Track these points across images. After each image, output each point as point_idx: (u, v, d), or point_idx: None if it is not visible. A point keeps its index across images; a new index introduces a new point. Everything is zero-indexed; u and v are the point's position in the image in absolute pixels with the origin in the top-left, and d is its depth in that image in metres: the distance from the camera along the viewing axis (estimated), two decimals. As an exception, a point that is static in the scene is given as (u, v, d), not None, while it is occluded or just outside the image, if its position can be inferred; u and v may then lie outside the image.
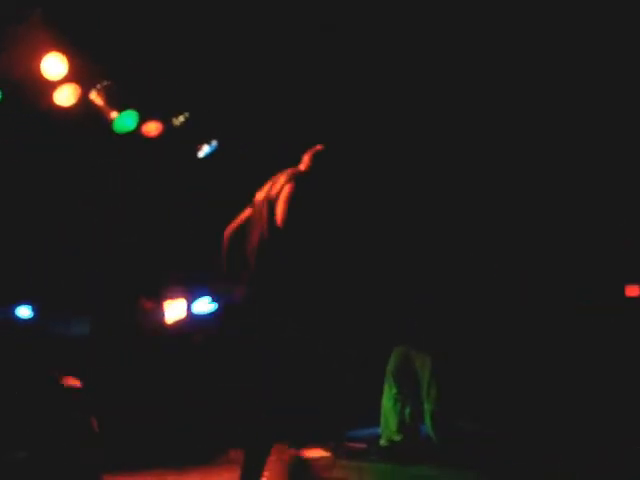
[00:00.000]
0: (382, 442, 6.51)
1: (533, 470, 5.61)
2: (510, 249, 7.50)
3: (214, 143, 6.65)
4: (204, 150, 6.65)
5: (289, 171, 4.53)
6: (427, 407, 6.34)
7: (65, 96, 5.98)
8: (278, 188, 4.43)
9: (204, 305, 7.57)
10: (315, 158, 4.58)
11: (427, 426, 6.40)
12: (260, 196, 4.66)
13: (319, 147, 4.64)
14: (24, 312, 7.03)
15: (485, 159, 7.36)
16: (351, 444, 6.79)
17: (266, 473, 5.82)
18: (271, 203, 4.43)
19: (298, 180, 4.39)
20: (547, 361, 7.30)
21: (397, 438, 6.40)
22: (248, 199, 7.15)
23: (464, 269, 7.18)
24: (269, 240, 4.40)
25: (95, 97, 6.14)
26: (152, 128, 6.35)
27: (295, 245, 4.33)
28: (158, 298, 7.32)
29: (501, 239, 7.49)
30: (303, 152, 4.65)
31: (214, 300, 7.56)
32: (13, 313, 6.98)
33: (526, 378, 7.22)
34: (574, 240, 7.33)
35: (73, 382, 5.65)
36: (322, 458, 6.40)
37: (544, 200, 7.37)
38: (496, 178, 7.46)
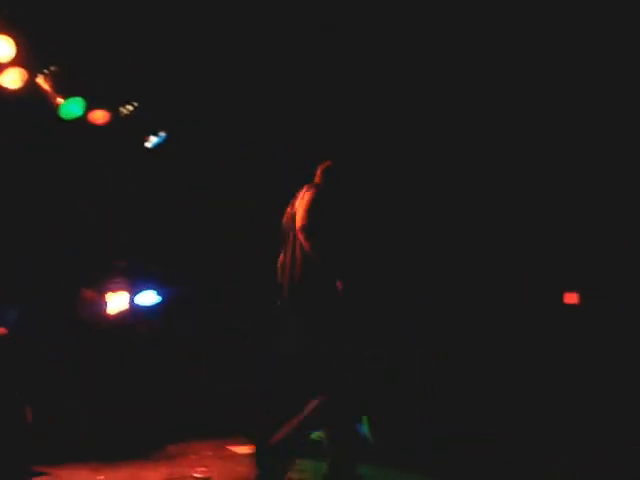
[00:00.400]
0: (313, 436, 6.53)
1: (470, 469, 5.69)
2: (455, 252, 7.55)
3: (163, 134, 6.59)
4: (152, 140, 6.59)
5: (308, 185, 5.18)
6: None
7: (11, 79, 5.88)
8: (299, 201, 5.08)
9: (149, 297, 7.51)
10: (325, 173, 5.28)
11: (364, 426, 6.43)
12: (288, 213, 5.26)
13: (328, 163, 5.30)
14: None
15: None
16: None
17: (203, 469, 5.85)
18: (294, 215, 5.08)
19: (316, 189, 5.07)
20: (492, 363, 7.37)
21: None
22: (196, 189, 7.19)
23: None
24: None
25: (42, 82, 6.04)
26: (99, 116, 6.27)
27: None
28: (100, 289, 7.23)
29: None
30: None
31: (159, 293, 7.51)
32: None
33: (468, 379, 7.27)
34: (514, 246, 7.41)
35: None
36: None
37: (484, 204, 7.43)
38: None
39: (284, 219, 5.27)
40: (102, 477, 5.50)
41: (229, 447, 6.63)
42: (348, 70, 7.00)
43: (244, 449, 6.55)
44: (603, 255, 6.95)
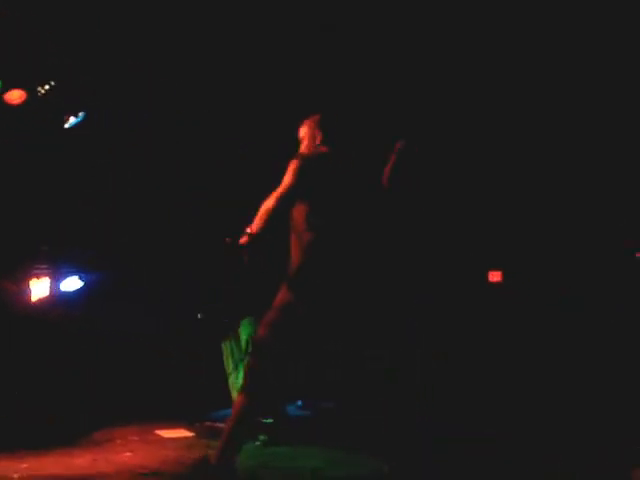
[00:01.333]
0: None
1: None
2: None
3: (81, 114, 6.46)
4: (71, 121, 6.46)
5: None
6: None
7: None
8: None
9: (72, 283, 7.39)
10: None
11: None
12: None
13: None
14: None
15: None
16: (214, 423, 6.77)
17: (129, 454, 5.80)
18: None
19: None
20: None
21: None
22: (116, 171, 7.07)
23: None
24: None
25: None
26: (15, 96, 6.11)
27: None
28: (21, 277, 7.09)
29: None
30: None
31: (82, 278, 7.39)
32: None
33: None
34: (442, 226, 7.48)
35: None
36: (184, 438, 6.39)
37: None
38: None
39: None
40: (25, 465, 5.40)
41: (155, 431, 6.58)
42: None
43: (170, 433, 6.53)
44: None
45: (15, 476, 5.10)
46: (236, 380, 6.38)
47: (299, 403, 7.07)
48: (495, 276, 7.48)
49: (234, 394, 6.44)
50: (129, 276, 7.57)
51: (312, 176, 4.65)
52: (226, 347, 6.60)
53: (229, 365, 6.56)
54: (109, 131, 6.78)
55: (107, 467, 5.43)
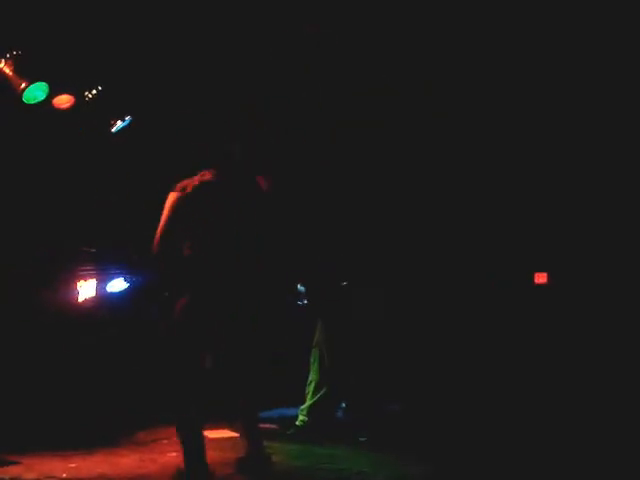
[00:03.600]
0: (297, 422, 6.58)
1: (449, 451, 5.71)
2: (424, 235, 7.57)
3: (128, 118, 6.53)
4: (117, 125, 6.53)
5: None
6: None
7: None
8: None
9: (117, 284, 7.48)
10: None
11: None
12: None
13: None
14: None
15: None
16: (261, 424, 6.78)
17: (174, 454, 5.84)
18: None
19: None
20: (461, 345, 7.40)
21: (304, 419, 6.46)
22: (161, 176, 7.11)
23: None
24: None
25: (4, 66, 5.95)
26: (63, 100, 6.19)
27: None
28: (68, 278, 7.18)
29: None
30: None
31: (127, 280, 7.47)
32: None
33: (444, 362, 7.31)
34: (485, 228, 7.44)
35: None
36: (229, 438, 6.41)
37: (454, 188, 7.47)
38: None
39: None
40: (74, 465, 5.48)
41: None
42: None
43: (215, 433, 6.55)
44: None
45: (64, 475, 5.18)
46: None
47: (343, 405, 7.05)
48: (541, 277, 7.43)
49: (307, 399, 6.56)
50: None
51: (185, 208, 4.83)
52: (314, 354, 6.63)
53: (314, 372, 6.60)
54: (156, 134, 6.83)
55: (153, 467, 5.52)
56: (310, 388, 6.60)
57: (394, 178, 7.62)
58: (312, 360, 6.64)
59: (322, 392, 6.50)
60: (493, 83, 7.05)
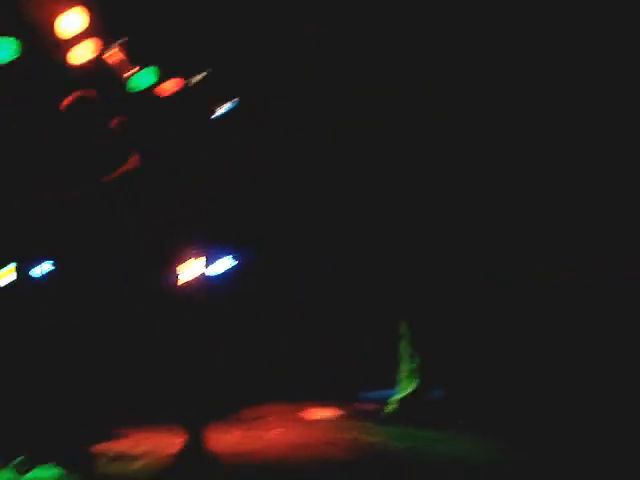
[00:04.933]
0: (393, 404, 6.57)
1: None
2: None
3: (233, 102, 6.62)
4: (222, 109, 6.63)
5: None
6: None
7: (83, 52, 5.96)
8: None
9: (222, 264, 7.61)
10: None
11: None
12: None
13: None
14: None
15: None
16: (362, 404, 6.84)
17: (279, 431, 5.95)
18: None
19: None
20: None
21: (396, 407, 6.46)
22: (269, 157, 7.22)
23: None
24: None
25: (113, 54, 6.11)
26: (169, 86, 6.33)
27: None
28: (174, 258, 7.35)
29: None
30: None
31: (233, 259, 7.60)
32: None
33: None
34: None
35: None
36: (334, 418, 6.48)
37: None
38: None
39: None
40: (179, 440, 5.60)
41: (305, 411, 6.70)
42: None
43: (320, 413, 6.63)
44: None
45: (171, 451, 5.32)
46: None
47: (439, 390, 7.01)
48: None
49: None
50: (279, 257, 7.70)
51: None
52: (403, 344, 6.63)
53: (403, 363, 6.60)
54: (262, 119, 6.91)
55: (258, 444, 5.60)
56: (402, 379, 6.54)
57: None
58: (401, 352, 6.58)
59: (413, 385, 6.43)
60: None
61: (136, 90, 6.16)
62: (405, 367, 6.48)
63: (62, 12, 5.77)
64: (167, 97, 6.39)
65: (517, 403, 6.48)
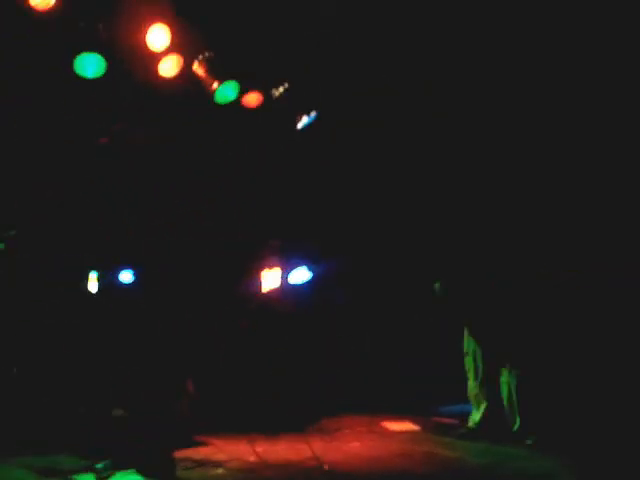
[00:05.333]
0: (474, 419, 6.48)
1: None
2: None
3: (313, 114, 6.66)
4: (303, 121, 6.67)
5: None
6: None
7: (168, 67, 6.07)
8: None
9: (301, 275, 7.66)
10: None
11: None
12: None
13: None
14: (126, 277, 7.26)
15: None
16: (439, 419, 6.80)
17: (357, 444, 5.96)
18: None
19: None
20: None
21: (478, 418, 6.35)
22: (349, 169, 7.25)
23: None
24: None
25: (197, 68, 6.21)
26: (252, 99, 6.40)
27: None
28: (255, 266, 7.45)
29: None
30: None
31: (310, 270, 7.64)
32: (116, 278, 7.21)
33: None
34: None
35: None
36: (411, 431, 6.45)
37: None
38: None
39: None
40: (260, 449, 5.67)
41: (382, 423, 6.69)
42: None
43: (397, 426, 6.62)
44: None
45: (251, 459, 5.39)
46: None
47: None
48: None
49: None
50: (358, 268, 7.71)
51: None
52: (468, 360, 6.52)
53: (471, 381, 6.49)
54: (341, 130, 6.93)
55: (336, 455, 5.62)
56: (471, 397, 6.44)
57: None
58: (467, 368, 6.44)
59: (485, 406, 6.30)
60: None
61: (223, 103, 6.24)
62: (472, 384, 6.38)
63: (147, 29, 5.89)
64: (252, 109, 6.46)
65: (587, 420, 6.35)
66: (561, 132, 6.82)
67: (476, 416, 6.28)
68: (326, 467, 5.18)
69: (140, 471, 4.83)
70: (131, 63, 5.97)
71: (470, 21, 6.45)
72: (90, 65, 5.80)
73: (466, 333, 6.41)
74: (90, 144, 6.05)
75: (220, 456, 5.47)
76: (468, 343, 6.40)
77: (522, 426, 6.07)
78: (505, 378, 6.09)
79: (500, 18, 6.39)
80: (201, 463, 5.25)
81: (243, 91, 6.30)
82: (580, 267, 6.72)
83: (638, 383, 6.44)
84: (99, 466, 4.96)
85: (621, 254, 6.75)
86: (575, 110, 6.69)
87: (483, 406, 6.23)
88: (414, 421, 6.72)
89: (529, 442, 5.85)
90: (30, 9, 5.32)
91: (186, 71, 6.22)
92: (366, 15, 6.41)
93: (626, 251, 6.76)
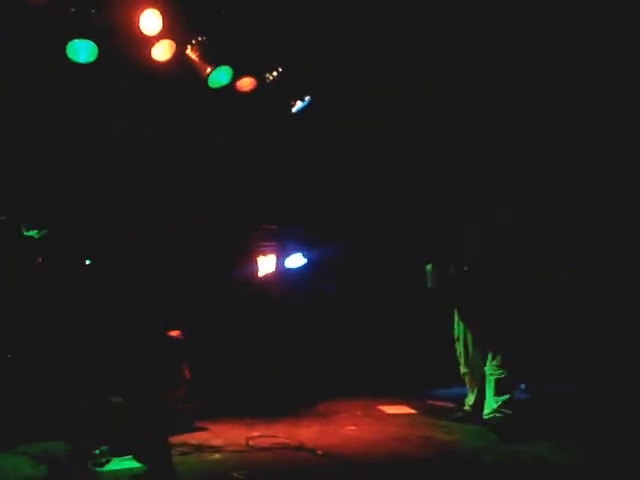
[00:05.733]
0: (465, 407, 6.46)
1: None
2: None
3: (307, 98, 6.64)
4: (297, 105, 6.65)
5: None
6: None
7: (161, 52, 6.05)
8: None
9: (296, 260, 7.67)
10: None
11: None
12: None
13: None
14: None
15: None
16: (434, 402, 6.82)
17: (353, 427, 5.97)
18: None
19: None
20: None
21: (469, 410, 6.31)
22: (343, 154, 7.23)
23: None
24: None
25: (190, 53, 6.19)
26: (246, 83, 6.38)
27: None
28: (249, 253, 7.45)
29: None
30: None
31: (305, 255, 7.64)
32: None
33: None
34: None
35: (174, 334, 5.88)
36: (407, 415, 6.47)
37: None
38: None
39: None
40: (257, 433, 5.68)
41: (378, 407, 6.71)
42: None
43: (393, 409, 6.63)
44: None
45: (249, 443, 5.40)
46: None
47: (522, 387, 6.90)
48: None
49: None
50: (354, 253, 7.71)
51: None
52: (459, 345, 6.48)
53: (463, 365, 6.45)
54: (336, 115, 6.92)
55: (333, 439, 5.63)
56: (466, 380, 6.41)
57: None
58: (458, 353, 6.37)
59: (477, 390, 6.27)
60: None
61: (217, 87, 6.22)
62: (464, 369, 6.36)
63: (140, 13, 5.86)
64: (246, 93, 6.43)
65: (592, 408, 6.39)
66: (561, 132, 6.83)
67: (471, 399, 6.28)
68: (319, 452, 5.19)
69: (136, 457, 4.85)
70: (124, 48, 5.93)
71: (471, 21, 6.44)
72: (82, 50, 5.77)
73: (456, 318, 6.39)
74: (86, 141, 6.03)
75: (217, 441, 5.47)
76: (458, 328, 6.38)
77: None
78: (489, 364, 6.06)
79: (501, 18, 6.38)
80: (198, 448, 5.24)
81: (237, 76, 6.28)
82: (580, 267, 6.76)
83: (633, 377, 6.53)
84: (96, 452, 4.98)
85: (621, 254, 6.80)
86: (575, 110, 6.70)
87: (476, 390, 6.23)
88: (410, 404, 6.74)
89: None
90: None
91: (179, 56, 6.19)
92: (366, 12, 6.40)
93: (626, 251, 6.80)
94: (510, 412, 5.84)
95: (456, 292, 6.26)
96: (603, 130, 6.82)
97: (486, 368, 5.99)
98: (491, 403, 5.90)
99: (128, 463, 4.83)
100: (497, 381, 5.90)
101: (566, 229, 6.97)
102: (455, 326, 6.38)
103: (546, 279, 6.72)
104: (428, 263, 6.39)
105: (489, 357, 5.98)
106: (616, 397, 6.54)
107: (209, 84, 6.24)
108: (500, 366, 5.92)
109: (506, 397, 5.88)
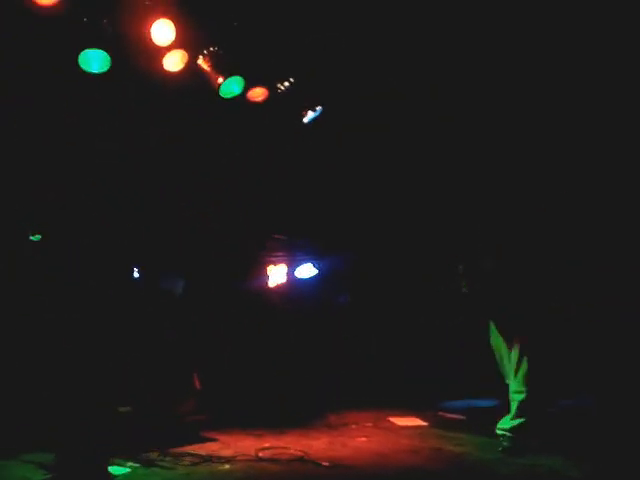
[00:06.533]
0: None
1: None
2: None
3: (319, 109, 6.64)
4: (309, 116, 6.65)
5: None
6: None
7: (173, 62, 6.06)
8: None
9: (306, 270, 7.67)
10: None
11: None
12: None
13: None
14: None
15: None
16: (445, 414, 6.79)
17: (363, 439, 5.95)
18: None
19: None
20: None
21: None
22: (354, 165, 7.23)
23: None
24: None
25: (202, 63, 6.20)
26: (258, 93, 6.38)
27: None
28: (259, 263, 7.46)
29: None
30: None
31: (315, 266, 7.65)
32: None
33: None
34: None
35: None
36: (417, 426, 6.45)
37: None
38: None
39: None
40: (267, 444, 5.67)
41: (389, 419, 6.69)
42: None
43: (403, 421, 6.61)
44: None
45: (258, 455, 5.38)
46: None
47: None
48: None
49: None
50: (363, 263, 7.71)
51: None
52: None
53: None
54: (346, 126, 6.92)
55: (343, 450, 5.62)
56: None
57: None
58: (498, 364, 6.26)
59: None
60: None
61: (228, 97, 6.23)
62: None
63: (152, 23, 5.88)
64: (258, 103, 6.44)
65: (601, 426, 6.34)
66: (572, 147, 6.79)
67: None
68: (325, 464, 5.16)
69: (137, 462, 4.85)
70: (136, 58, 5.95)
71: (477, 25, 6.43)
72: (95, 60, 5.78)
73: (493, 330, 6.17)
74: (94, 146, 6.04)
75: (227, 452, 5.46)
76: (494, 338, 6.17)
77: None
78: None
79: (508, 23, 6.37)
80: (208, 459, 5.23)
81: (248, 86, 6.29)
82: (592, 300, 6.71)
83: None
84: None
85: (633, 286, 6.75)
86: (586, 123, 6.66)
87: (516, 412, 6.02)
88: (421, 416, 6.72)
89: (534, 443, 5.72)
90: (33, 4, 5.30)
91: (191, 66, 6.20)
92: (373, 16, 6.39)
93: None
94: (517, 435, 5.68)
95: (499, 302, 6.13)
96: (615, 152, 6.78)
97: (511, 383, 5.75)
98: (506, 422, 5.77)
99: (127, 467, 4.85)
100: (519, 402, 5.68)
101: (577, 260, 6.92)
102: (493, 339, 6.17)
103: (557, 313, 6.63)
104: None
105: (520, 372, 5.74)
106: (633, 412, 6.47)
107: (221, 94, 6.25)
108: (525, 384, 5.66)
109: (521, 421, 5.65)
